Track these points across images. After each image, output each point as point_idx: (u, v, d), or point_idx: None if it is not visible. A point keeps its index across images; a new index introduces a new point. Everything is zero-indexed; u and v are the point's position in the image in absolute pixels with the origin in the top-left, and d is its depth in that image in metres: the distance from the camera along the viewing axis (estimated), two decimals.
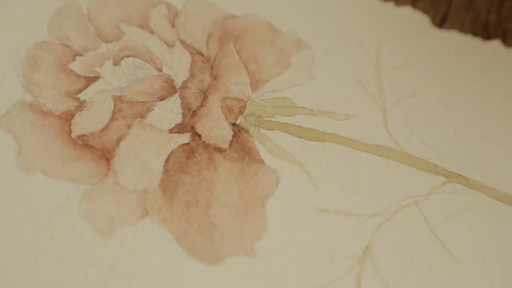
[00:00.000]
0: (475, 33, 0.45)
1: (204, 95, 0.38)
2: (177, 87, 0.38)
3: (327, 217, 0.34)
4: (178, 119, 0.36)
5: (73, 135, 0.34)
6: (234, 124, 0.37)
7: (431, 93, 0.41)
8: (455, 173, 0.37)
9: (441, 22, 0.46)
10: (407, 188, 0.36)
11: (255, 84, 0.39)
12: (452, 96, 0.41)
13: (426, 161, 0.37)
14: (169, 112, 0.36)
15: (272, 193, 0.34)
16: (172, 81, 0.38)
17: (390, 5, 0.47)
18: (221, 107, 0.38)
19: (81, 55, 0.38)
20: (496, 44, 0.45)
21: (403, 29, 0.45)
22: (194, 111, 0.37)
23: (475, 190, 0.36)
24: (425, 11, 0.46)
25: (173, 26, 0.41)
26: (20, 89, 0.35)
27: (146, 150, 0.34)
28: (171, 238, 0.32)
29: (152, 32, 0.40)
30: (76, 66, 0.37)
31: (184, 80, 0.38)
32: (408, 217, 0.34)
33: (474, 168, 0.37)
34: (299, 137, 0.37)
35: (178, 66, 0.39)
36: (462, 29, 0.45)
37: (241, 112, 0.38)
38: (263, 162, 0.35)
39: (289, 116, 0.38)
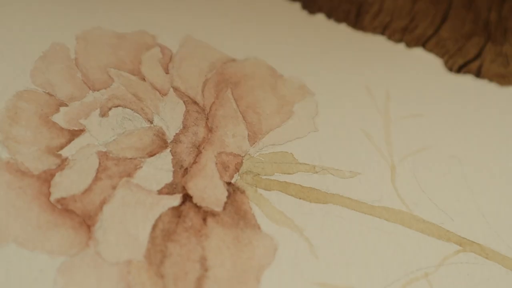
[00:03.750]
0: (475, 33, 0.43)
1: (198, 150, 0.35)
2: (169, 141, 0.35)
3: None
4: (169, 178, 0.33)
5: (52, 198, 0.31)
6: (229, 183, 0.34)
7: (443, 146, 0.38)
8: (469, 240, 0.34)
9: (441, 21, 0.43)
10: (416, 258, 0.33)
11: (253, 137, 0.36)
12: (466, 150, 0.38)
13: (438, 226, 0.34)
14: (159, 169, 0.33)
15: (268, 265, 0.31)
16: (163, 134, 0.35)
17: (401, 47, 0.44)
18: (216, 163, 0.34)
19: (66, 105, 0.35)
20: None
21: (413, 73, 0.42)
22: (186, 168, 0.34)
23: (491, 260, 0.33)
24: (437, 53, 0.43)
25: (166, 71, 0.38)
26: None
27: (132, 215, 0.31)
28: None
29: (143, 79, 0.37)
30: (60, 117, 0.34)
31: (176, 133, 0.35)
32: None
33: (489, 234, 0.34)
34: (299, 198, 0.34)
35: (171, 116, 0.36)
36: (462, 28, 0.43)
37: (237, 169, 0.35)
38: (259, 227, 0.32)
39: (289, 173, 0.35)
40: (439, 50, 0.43)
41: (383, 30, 0.43)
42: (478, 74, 0.42)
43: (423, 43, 0.44)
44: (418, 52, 0.44)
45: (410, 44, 0.44)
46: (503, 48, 0.44)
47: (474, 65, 0.42)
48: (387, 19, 0.44)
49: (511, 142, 0.38)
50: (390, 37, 0.43)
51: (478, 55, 0.43)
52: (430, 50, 0.43)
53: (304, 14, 0.45)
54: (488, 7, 0.45)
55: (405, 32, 0.44)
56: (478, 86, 0.42)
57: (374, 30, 0.43)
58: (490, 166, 0.37)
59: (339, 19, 0.44)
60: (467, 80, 0.42)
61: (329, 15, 0.44)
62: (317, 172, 0.35)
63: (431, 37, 0.44)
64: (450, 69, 0.42)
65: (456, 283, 0.32)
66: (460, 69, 0.42)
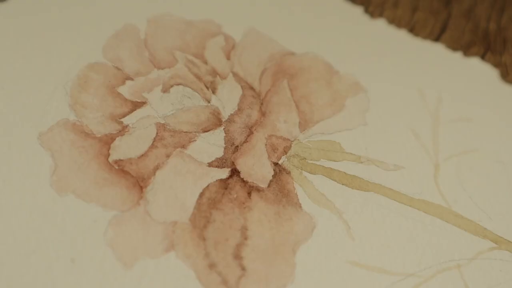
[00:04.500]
0: (475, 43, 0.43)
1: (250, 130, 0.37)
2: (223, 120, 0.37)
3: (360, 272, 0.32)
4: (220, 153, 0.36)
5: (110, 159, 0.33)
6: (276, 164, 0.36)
7: (490, 150, 0.39)
8: (505, 239, 0.34)
9: (440, 31, 0.44)
10: (450, 250, 0.34)
11: (304, 125, 0.38)
12: (510, 155, 0.39)
13: (475, 223, 0.35)
14: (211, 145, 0.36)
15: (305, 240, 0.33)
16: (219, 113, 0.37)
17: (458, 55, 0.45)
18: (266, 144, 0.36)
19: (131, 79, 0.38)
20: None
21: (468, 81, 0.43)
22: (237, 146, 0.36)
23: None
24: (495, 64, 0.44)
25: (228, 58, 0.41)
26: (65, 108, 0.35)
27: (182, 182, 0.33)
28: (193, 276, 0.30)
29: (206, 62, 0.40)
30: (125, 90, 0.37)
31: (231, 114, 0.37)
32: (448, 281, 0.32)
33: None
34: (342, 184, 0.35)
35: (228, 99, 0.38)
36: (462, 38, 0.43)
37: (285, 152, 0.36)
38: (300, 206, 0.34)
39: (335, 161, 0.37)
40: (468, 53, 0.44)
41: None
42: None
43: (482, 55, 0.44)
44: (475, 62, 0.45)
45: (468, 53, 0.45)
46: (502, 58, 0.44)
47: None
48: None
49: None
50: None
51: None
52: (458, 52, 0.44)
53: (365, 17, 0.46)
54: (487, 17, 0.46)
55: None
56: None
57: None
58: None
59: None
60: None
61: None
62: (362, 162, 0.37)
63: None
64: (506, 80, 0.43)
65: (488, 277, 0.33)
66: None
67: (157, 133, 0.36)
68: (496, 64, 0.44)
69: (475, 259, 0.33)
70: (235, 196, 0.34)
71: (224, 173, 0.35)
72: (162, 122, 0.36)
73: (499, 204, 0.36)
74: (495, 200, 0.36)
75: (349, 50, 0.44)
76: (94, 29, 0.40)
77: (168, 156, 0.35)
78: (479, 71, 0.44)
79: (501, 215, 0.36)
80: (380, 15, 0.46)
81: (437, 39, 0.45)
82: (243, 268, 0.31)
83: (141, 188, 0.33)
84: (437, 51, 0.45)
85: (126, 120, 0.36)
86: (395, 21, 0.46)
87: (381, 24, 0.46)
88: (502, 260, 0.34)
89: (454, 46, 0.45)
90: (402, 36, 0.46)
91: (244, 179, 0.35)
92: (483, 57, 0.44)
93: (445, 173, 0.37)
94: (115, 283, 0.30)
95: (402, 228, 0.34)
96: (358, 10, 0.47)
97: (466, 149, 0.39)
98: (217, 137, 0.36)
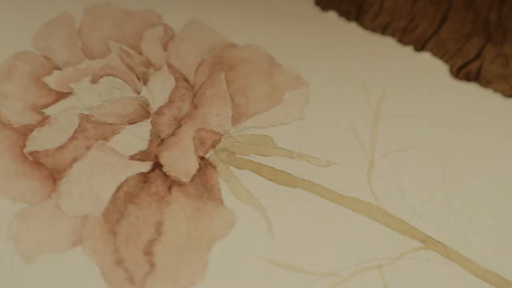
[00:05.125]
0: (475, 34, 0.42)
1: (178, 123, 0.36)
2: (152, 112, 0.36)
3: (276, 271, 0.31)
4: (144, 145, 0.34)
5: (25, 151, 0.32)
6: (202, 158, 0.34)
7: (428, 147, 0.38)
8: (433, 238, 0.33)
9: (441, 21, 0.43)
10: (374, 249, 0.32)
11: (237, 118, 0.37)
12: (451, 153, 0.38)
13: (403, 222, 0.34)
14: (135, 137, 0.34)
15: (222, 237, 0.32)
16: (147, 105, 0.36)
17: (407, 50, 0.44)
18: (193, 138, 0.35)
19: (60, 69, 0.37)
20: None
21: (416, 76, 0.42)
22: (163, 139, 0.35)
23: (452, 261, 0.33)
24: (437, 53, 0.43)
25: (165, 49, 0.40)
26: None
27: (99, 175, 0.32)
28: (97, 272, 0.29)
29: (141, 53, 0.39)
30: (51, 79, 0.36)
31: (160, 106, 0.36)
32: (367, 282, 0.31)
33: (456, 236, 0.34)
34: (270, 180, 0.34)
35: (159, 90, 0.37)
36: (462, 28, 0.42)
37: (213, 146, 0.35)
38: (222, 202, 0.33)
39: (265, 156, 0.35)
40: (439, 50, 0.43)
41: (383, 30, 0.43)
42: (477, 74, 0.42)
43: (423, 43, 0.43)
44: (424, 56, 0.43)
45: (416, 47, 0.43)
46: (502, 49, 0.43)
47: (474, 66, 0.42)
48: (387, 19, 0.44)
49: (497, 150, 0.38)
50: (391, 37, 0.43)
51: (478, 56, 0.43)
52: (430, 50, 0.43)
53: (314, 10, 0.45)
54: (488, 7, 0.45)
55: (405, 33, 0.44)
56: (478, 95, 0.41)
57: (374, 30, 0.43)
58: (472, 170, 0.37)
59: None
60: (468, 88, 0.42)
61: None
62: (293, 158, 0.36)
63: (431, 37, 0.44)
64: (451, 71, 0.42)
65: (409, 278, 0.32)
66: (460, 70, 0.41)
67: (79, 124, 0.35)
68: (497, 55, 0.43)
69: (399, 259, 0.32)
70: (154, 190, 0.33)
71: (146, 166, 0.34)
72: (87, 113, 0.35)
73: (431, 202, 0.35)
74: (428, 198, 0.35)
75: (294, 43, 0.42)
76: (26, 17, 0.39)
77: (88, 148, 0.34)
78: (429, 66, 0.43)
79: (433, 214, 0.34)
80: (381, 5, 0.45)
81: (437, 29, 0.44)
82: (152, 265, 0.30)
83: (55, 180, 0.32)
84: (386, 45, 0.44)
85: (48, 111, 0.35)
86: (395, 12, 0.44)
87: (330, 17, 0.45)
88: (428, 260, 0.32)
89: (454, 36, 0.43)
90: (351, 29, 0.45)
91: (167, 173, 0.34)
92: (483, 48, 0.43)
93: (380, 170, 0.36)
94: (13, 278, 0.29)
95: (326, 226, 0.33)
96: (309, 3, 0.46)
97: (404, 146, 0.37)
98: (143, 129, 0.35)
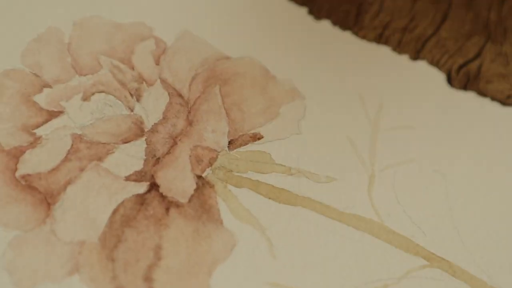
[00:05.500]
0: (475, 33, 0.42)
1: (174, 141, 0.35)
2: (146, 130, 0.35)
3: None
4: (139, 165, 0.33)
5: (17, 174, 0.31)
6: (199, 177, 0.34)
7: (429, 160, 0.37)
8: (437, 256, 0.33)
9: (441, 21, 0.43)
10: (379, 269, 0.32)
11: (233, 134, 0.36)
12: (452, 166, 0.37)
13: (407, 239, 0.33)
14: (130, 156, 0.33)
15: (223, 260, 0.31)
16: (141, 122, 0.35)
17: (404, 58, 0.43)
18: (190, 156, 0.34)
19: (50, 86, 0.35)
20: None
21: (413, 86, 0.41)
22: (159, 158, 0.34)
23: (458, 279, 0.32)
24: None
25: (157, 63, 0.38)
26: None
27: (94, 198, 0.31)
28: None
29: (132, 68, 0.38)
30: (41, 98, 0.35)
31: (155, 123, 0.35)
32: None
33: (462, 253, 0.33)
34: (269, 198, 0.34)
35: (153, 107, 0.36)
36: (462, 27, 0.41)
37: (210, 164, 0.34)
38: (221, 223, 0.32)
39: (263, 173, 0.35)
40: (439, 49, 0.42)
41: (383, 29, 0.43)
42: (477, 73, 0.41)
43: (423, 42, 0.43)
44: (421, 65, 0.43)
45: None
46: (503, 48, 0.43)
47: (474, 65, 0.41)
48: (387, 18, 0.44)
49: (499, 159, 0.37)
50: (390, 37, 0.42)
51: (478, 55, 0.42)
52: (430, 50, 0.42)
53: (307, 19, 0.44)
54: (488, 6, 0.45)
55: (405, 32, 0.43)
56: (475, 104, 0.41)
57: (374, 29, 0.43)
58: (475, 184, 0.36)
59: (338, 19, 0.43)
60: (466, 97, 0.41)
61: (329, 16, 0.43)
62: (292, 174, 0.35)
63: (431, 36, 0.43)
64: (448, 79, 0.41)
65: None
66: (460, 69, 0.41)
67: (72, 145, 0.33)
68: (497, 54, 0.42)
69: (404, 278, 0.32)
70: (151, 212, 0.32)
71: (142, 187, 0.33)
72: (79, 133, 0.34)
73: (434, 218, 0.34)
74: (431, 214, 0.34)
75: (288, 54, 0.42)
76: (13, 33, 0.38)
77: (82, 169, 0.33)
78: (426, 75, 0.42)
79: (436, 230, 0.34)
80: (381, 5, 0.44)
81: (437, 29, 0.44)
82: None
83: (49, 205, 0.31)
84: (382, 54, 0.43)
85: (39, 131, 0.34)
86: (395, 11, 0.44)
87: (324, 26, 0.44)
88: (433, 279, 0.32)
89: (454, 36, 0.43)
90: (345, 38, 0.44)
91: (163, 194, 0.33)
92: (483, 47, 0.43)
93: (380, 185, 0.35)
94: None
95: (328, 246, 0.32)
96: (301, 11, 0.45)
97: (404, 159, 0.37)
98: (138, 148, 0.34)
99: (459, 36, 0.44)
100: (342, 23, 0.44)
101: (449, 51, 0.43)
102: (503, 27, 0.45)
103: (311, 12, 0.45)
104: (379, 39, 0.44)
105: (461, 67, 0.42)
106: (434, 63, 0.43)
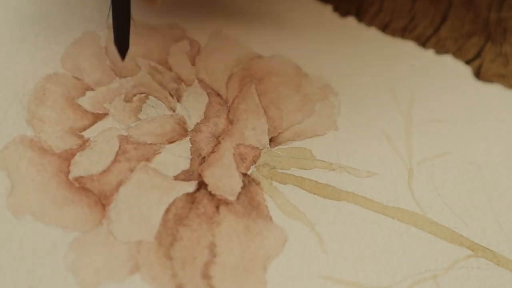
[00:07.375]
0: (475, 33, 0.43)
1: (217, 140, 0.35)
2: (189, 129, 0.35)
3: (334, 287, 0.31)
4: (186, 165, 0.34)
5: (70, 176, 0.32)
6: (245, 174, 0.34)
7: (464, 152, 0.38)
8: (481, 246, 0.33)
9: (441, 20, 0.44)
10: (426, 260, 0.32)
11: (273, 131, 0.37)
12: (487, 157, 0.38)
13: (451, 230, 0.34)
14: (177, 156, 0.34)
15: (276, 255, 0.31)
16: (184, 122, 0.36)
17: (429, 54, 0.44)
18: (234, 154, 0.35)
19: (92, 89, 0.36)
20: None
21: (440, 79, 0.42)
22: (204, 157, 0.34)
23: (502, 267, 0.33)
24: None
25: (193, 63, 0.39)
26: (22, 123, 0.34)
27: (147, 198, 0.32)
28: None
29: (170, 69, 0.38)
30: (85, 101, 0.35)
31: (197, 123, 0.36)
32: None
33: (503, 242, 0.34)
34: (314, 194, 0.34)
35: (193, 107, 0.37)
36: (462, 27, 0.43)
37: (254, 162, 0.35)
38: (271, 219, 0.33)
39: (306, 169, 0.35)
40: (439, 50, 0.43)
41: (383, 29, 0.44)
42: (477, 74, 0.42)
43: (423, 42, 0.44)
44: (446, 59, 0.43)
45: (440, 51, 0.44)
46: (502, 48, 0.44)
47: (474, 65, 0.43)
48: (387, 18, 0.45)
49: None
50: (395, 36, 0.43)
51: (477, 55, 0.43)
52: (430, 49, 0.43)
53: (334, 16, 0.45)
54: (488, 7, 0.46)
55: (405, 32, 0.44)
56: (504, 95, 0.42)
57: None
58: (510, 174, 0.37)
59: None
60: (493, 89, 0.42)
61: None
62: (333, 170, 0.36)
63: (430, 36, 0.44)
64: (478, 76, 0.42)
65: (465, 287, 0.32)
66: None
67: (119, 146, 0.34)
68: (497, 54, 0.43)
69: (452, 268, 0.32)
70: (202, 210, 0.32)
71: (191, 186, 0.33)
72: (125, 134, 0.35)
73: (474, 209, 0.35)
74: (470, 205, 0.35)
75: (318, 51, 0.42)
76: (52, 38, 0.38)
77: (131, 170, 0.33)
78: (452, 69, 0.43)
79: (476, 221, 0.35)
80: (381, 4, 0.45)
81: (437, 29, 0.44)
82: None
83: (104, 206, 0.31)
84: (408, 49, 0.44)
85: (87, 134, 0.34)
86: (395, 11, 0.45)
87: (350, 23, 0.45)
88: (479, 268, 0.33)
89: (454, 36, 0.44)
90: (373, 35, 0.45)
91: (212, 192, 0.33)
92: (483, 47, 0.44)
93: (419, 178, 0.36)
94: None
95: (376, 239, 0.33)
96: (327, 9, 0.46)
97: (440, 152, 0.38)
98: (183, 148, 0.35)
99: (459, 36, 0.45)
100: None
101: (449, 51, 0.44)
102: (503, 27, 0.46)
103: (336, 9, 0.46)
104: None
105: None
106: None
